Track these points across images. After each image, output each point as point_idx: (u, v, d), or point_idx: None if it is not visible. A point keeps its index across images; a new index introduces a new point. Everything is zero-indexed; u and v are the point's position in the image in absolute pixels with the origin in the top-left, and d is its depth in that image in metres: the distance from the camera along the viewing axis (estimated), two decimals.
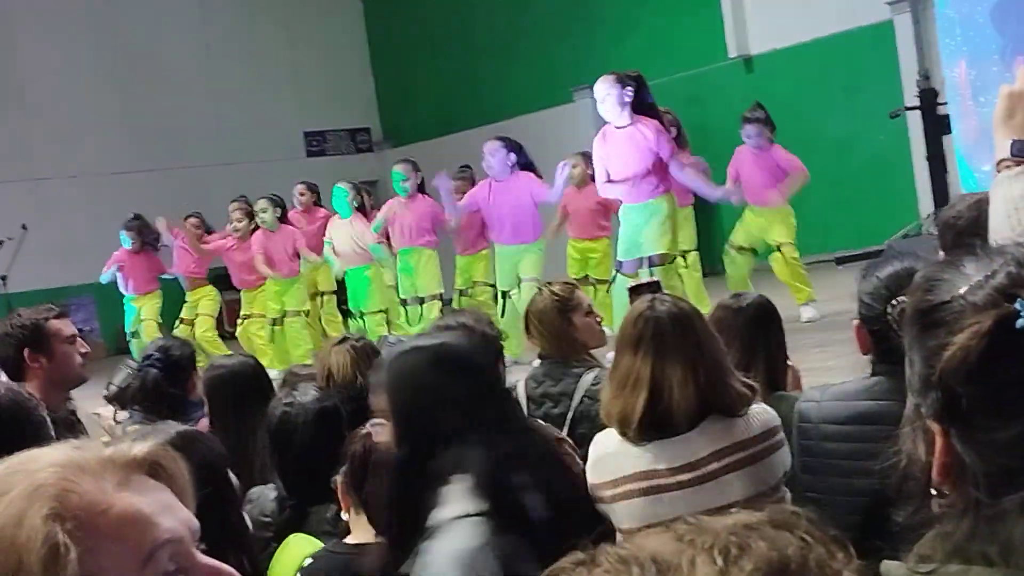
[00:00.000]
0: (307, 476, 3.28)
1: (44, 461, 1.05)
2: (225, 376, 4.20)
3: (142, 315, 12.44)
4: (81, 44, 18.29)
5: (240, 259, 11.83)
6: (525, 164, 10.01)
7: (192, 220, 12.49)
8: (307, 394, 3.41)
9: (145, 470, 1.09)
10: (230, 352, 11.03)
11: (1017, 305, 1.19)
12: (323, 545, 2.97)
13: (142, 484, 1.08)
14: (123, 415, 4.76)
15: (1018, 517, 1.16)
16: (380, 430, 2.88)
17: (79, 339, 4.34)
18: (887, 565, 1.22)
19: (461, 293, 10.62)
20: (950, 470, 1.24)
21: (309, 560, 2.90)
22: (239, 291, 12.20)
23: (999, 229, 1.95)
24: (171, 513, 1.08)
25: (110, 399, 5.02)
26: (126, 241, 12.48)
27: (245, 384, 4.09)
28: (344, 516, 2.94)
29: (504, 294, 9.95)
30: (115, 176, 17.98)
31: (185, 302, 12.48)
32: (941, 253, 3.19)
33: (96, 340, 15.58)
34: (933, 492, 1.26)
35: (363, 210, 11.17)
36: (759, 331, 3.76)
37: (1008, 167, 2.04)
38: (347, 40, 20.89)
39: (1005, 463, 1.19)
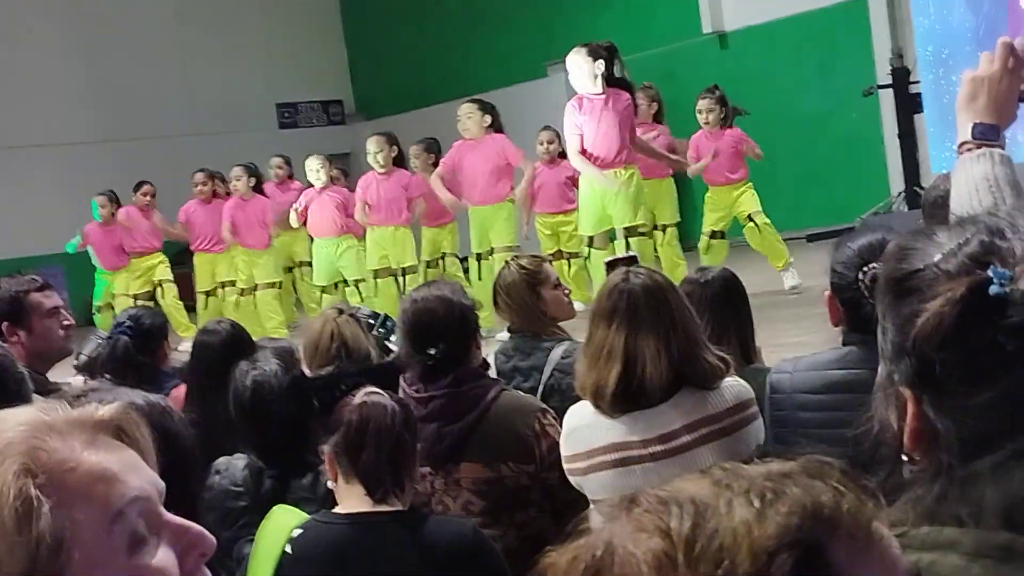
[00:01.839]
0: (286, 446, 3.29)
1: (12, 422, 1.06)
2: (215, 342, 4.21)
3: (115, 289, 12.41)
4: (49, 11, 18.11)
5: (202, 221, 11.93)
6: (498, 128, 10.00)
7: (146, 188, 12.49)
8: (270, 363, 3.40)
9: (111, 432, 1.11)
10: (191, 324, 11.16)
11: (990, 272, 1.20)
12: (307, 516, 2.97)
13: (108, 445, 1.09)
14: (93, 385, 4.75)
15: (989, 480, 1.18)
16: (378, 399, 2.90)
17: (63, 311, 4.26)
18: None
19: (428, 264, 10.63)
20: (922, 436, 1.25)
21: (298, 531, 2.90)
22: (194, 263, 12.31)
23: (961, 209, 2.00)
24: (138, 473, 1.09)
25: (80, 369, 5.01)
26: (95, 211, 12.45)
27: (235, 351, 4.08)
28: (331, 485, 2.95)
29: (479, 256, 9.94)
30: (84, 146, 17.84)
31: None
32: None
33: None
34: (904, 458, 1.27)
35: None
36: (727, 304, 3.78)
37: (969, 149, 2.09)
38: (320, 11, 20.78)
39: (977, 427, 1.21)
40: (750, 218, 9.89)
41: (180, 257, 14.21)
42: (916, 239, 1.31)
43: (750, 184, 10.04)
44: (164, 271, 12.42)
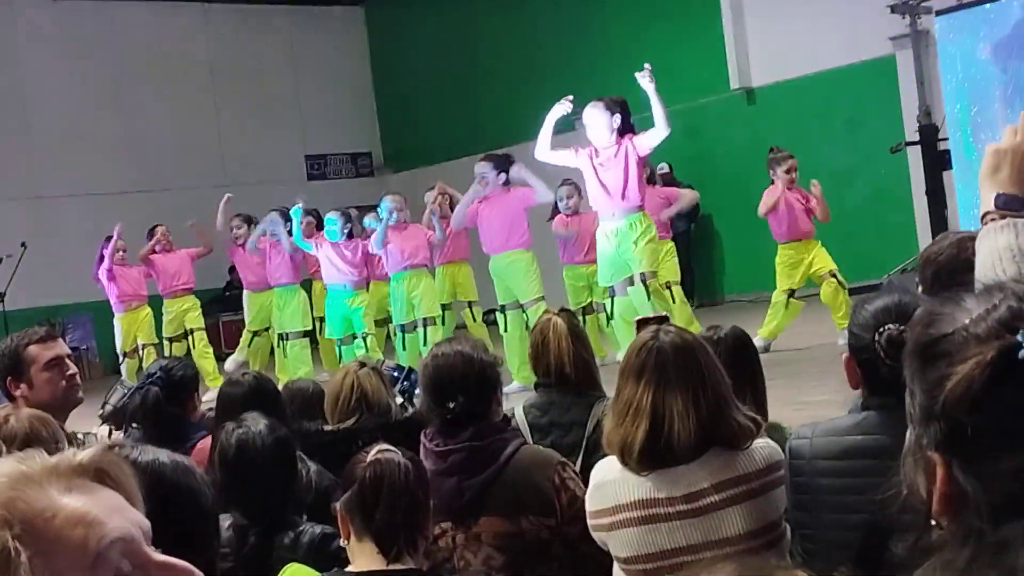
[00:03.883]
0: (270, 504, 3.32)
1: None
2: (239, 393, 4.24)
3: (140, 339, 12.41)
4: (85, 63, 18.34)
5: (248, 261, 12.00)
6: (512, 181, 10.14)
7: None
8: (259, 423, 3.44)
9: (91, 476, 1.11)
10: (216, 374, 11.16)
11: (1019, 337, 1.22)
12: (320, 574, 2.96)
13: (88, 489, 1.10)
14: (118, 435, 4.74)
15: (1020, 545, 1.18)
16: (391, 456, 2.90)
17: (67, 361, 4.21)
18: None
19: (444, 308, 10.66)
20: (951, 500, 1.26)
21: None
22: (237, 312, 12.28)
23: (985, 278, 2.02)
24: (120, 514, 1.10)
25: (105, 419, 5.01)
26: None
27: (260, 401, 4.11)
28: (342, 543, 2.94)
29: (503, 308, 9.97)
30: (116, 195, 17.99)
31: (165, 312, 12.49)
32: (920, 288, 3.23)
33: (93, 360, 15.56)
34: (933, 523, 1.28)
35: (352, 236, 11.28)
36: (741, 361, 3.75)
37: (993, 219, 2.11)
38: (350, 65, 20.97)
39: (1007, 491, 1.21)
40: (833, 274, 9.84)
41: (209, 307, 14.25)
42: (944, 305, 1.33)
43: (818, 240, 10.04)
44: (196, 319, 12.43)
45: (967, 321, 1.27)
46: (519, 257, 9.89)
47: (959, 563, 1.21)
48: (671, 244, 10.54)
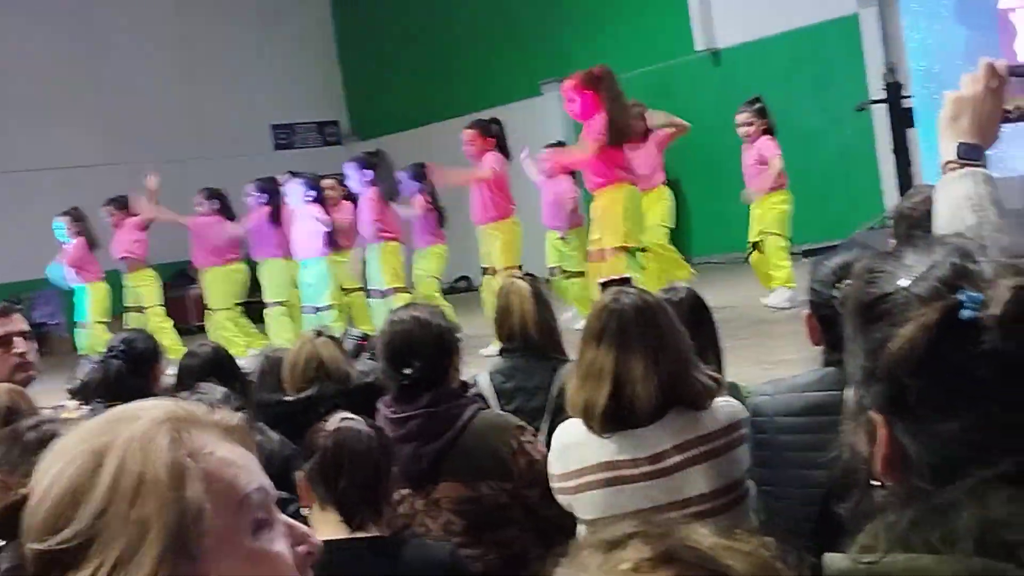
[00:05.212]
0: None
1: (158, 406, 1.19)
2: (196, 364, 4.25)
3: (90, 317, 12.25)
4: (55, 35, 18.16)
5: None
6: (501, 148, 10.18)
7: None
8: (214, 393, 3.44)
9: (238, 440, 1.21)
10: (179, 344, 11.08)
11: (961, 296, 1.20)
12: None
13: (235, 445, 1.20)
14: (84, 409, 4.73)
15: (963, 507, 1.17)
16: (352, 424, 2.90)
17: (17, 339, 4.20)
18: (830, 557, 1.24)
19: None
20: (893, 461, 1.24)
21: None
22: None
23: (945, 228, 2.00)
24: (260, 470, 1.21)
25: (73, 393, 4.99)
26: (61, 234, 12.34)
27: (217, 372, 4.12)
28: (304, 512, 2.94)
29: (484, 271, 10.09)
30: (86, 169, 17.84)
31: (124, 286, 12.38)
32: (892, 242, 3.23)
33: (63, 335, 15.47)
34: (875, 483, 1.26)
35: (321, 201, 11.20)
36: (699, 321, 3.76)
37: (953, 169, 2.08)
38: (315, 32, 20.81)
39: (951, 453, 1.20)
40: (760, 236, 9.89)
41: (176, 280, 14.17)
42: (884, 261, 1.30)
43: (784, 198, 9.98)
44: (150, 295, 12.32)
45: (908, 280, 1.24)
46: (496, 228, 10.01)
47: (901, 526, 1.20)
48: (662, 191, 10.52)
